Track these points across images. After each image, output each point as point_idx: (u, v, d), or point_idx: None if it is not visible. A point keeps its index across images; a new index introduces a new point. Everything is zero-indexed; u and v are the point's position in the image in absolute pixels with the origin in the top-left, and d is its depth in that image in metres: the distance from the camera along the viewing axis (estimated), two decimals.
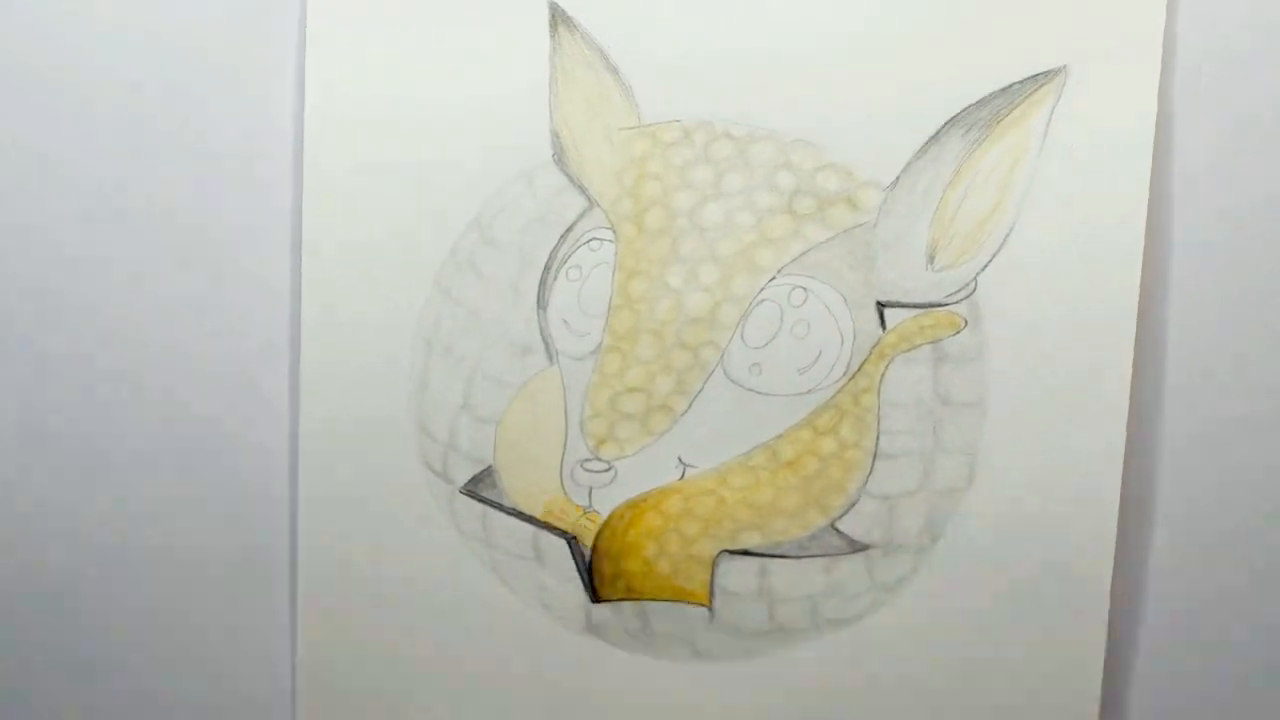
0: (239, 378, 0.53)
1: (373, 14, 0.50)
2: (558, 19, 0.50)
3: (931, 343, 0.50)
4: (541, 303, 0.51)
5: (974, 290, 0.49)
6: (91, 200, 0.52)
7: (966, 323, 0.50)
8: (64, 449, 0.54)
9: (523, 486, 0.52)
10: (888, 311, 0.50)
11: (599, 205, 0.50)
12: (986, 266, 0.49)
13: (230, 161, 0.52)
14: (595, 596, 0.53)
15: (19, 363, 0.53)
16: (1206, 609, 0.52)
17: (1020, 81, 0.49)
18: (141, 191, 0.52)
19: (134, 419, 0.54)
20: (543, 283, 0.51)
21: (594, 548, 0.52)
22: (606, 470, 0.51)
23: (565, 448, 0.52)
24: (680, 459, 0.51)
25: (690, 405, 0.51)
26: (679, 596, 0.52)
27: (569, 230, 0.51)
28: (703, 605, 0.52)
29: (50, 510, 0.54)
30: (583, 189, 0.51)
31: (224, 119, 0.52)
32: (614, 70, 0.50)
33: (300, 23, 0.51)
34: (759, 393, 0.51)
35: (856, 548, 0.51)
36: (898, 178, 0.49)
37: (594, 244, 0.51)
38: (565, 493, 0.52)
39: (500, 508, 0.52)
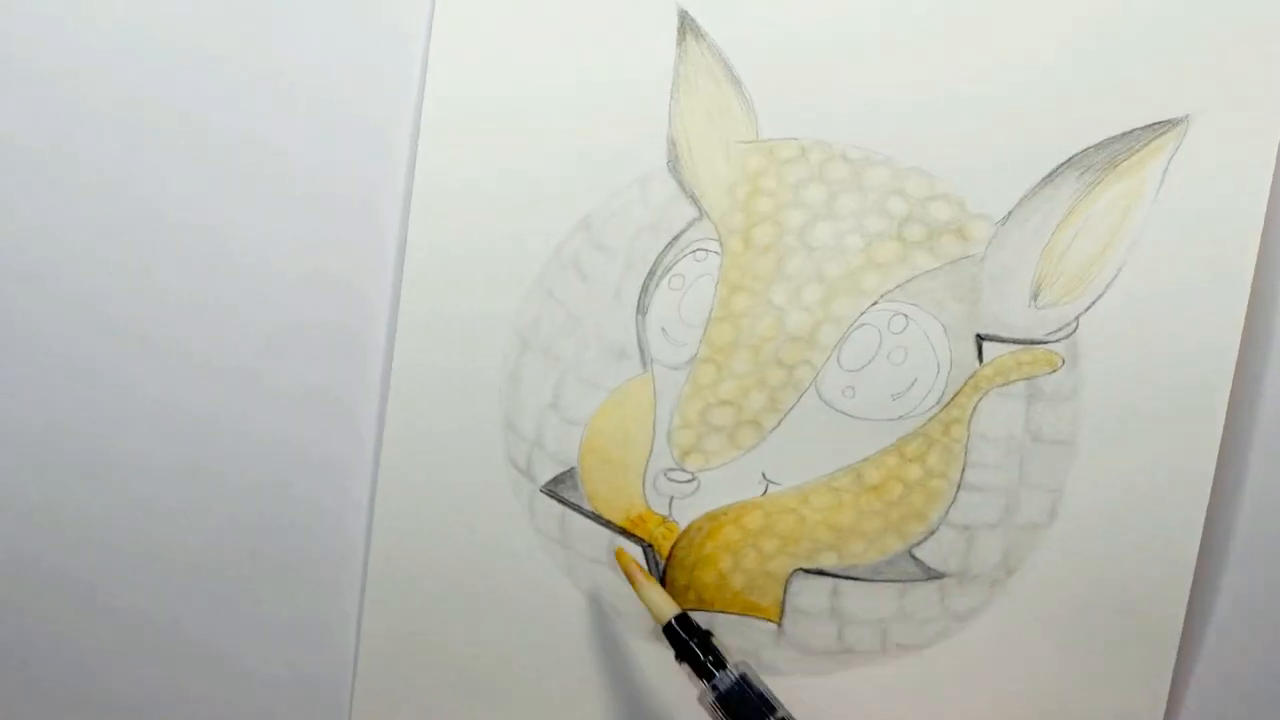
0: (334, 353, 0.53)
1: (501, 10, 0.51)
2: (687, 27, 0.50)
3: (1027, 379, 0.50)
4: (641, 309, 0.51)
5: (1075, 330, 0.50)
6: (207, 176, 0.53)
7: (1064, 362, 0.50)
8: (147, 421, 0.54)
9: (604, 491, 0.52)
10: (986, 345, 0.50)
11: (709, 217, 0.50)
12: (1090, 308, 0.49)
13: (345, 143, 0.52)
14: None
15: (97, 366, 0.54)
16: (1273, 662, 0.52)
17: (1141, 128, 0.49)
18: (248, 157, 0.53)
19: (228, 392, 0.54)
20: (644, 289, 0.51)
21: (669, 557, 0.52)
22: (690, 481, 0.51)
23: (650, 455, 0.52)
24: (764, 475, 0.51)
25: (780, 423, 0.51)
26: (749, 611, 0.52)
27: (676, 239, 0.51)
28: (772, 621, 0.52)
29: (119, 493, 0.54)
30: (694, 199, 0.51)
31: (341, 106, 0.52)
32: (737, 82, 0.50)
33: (428, 14, 0.51)
34: (850, 415, 0.51)
35: (932, 575, 0.51)
36: (1010, 213, 0.49)
37: (699, 254, 0.51)
38: (646, 500, 0.52)
39: (579, 510, 0.52)
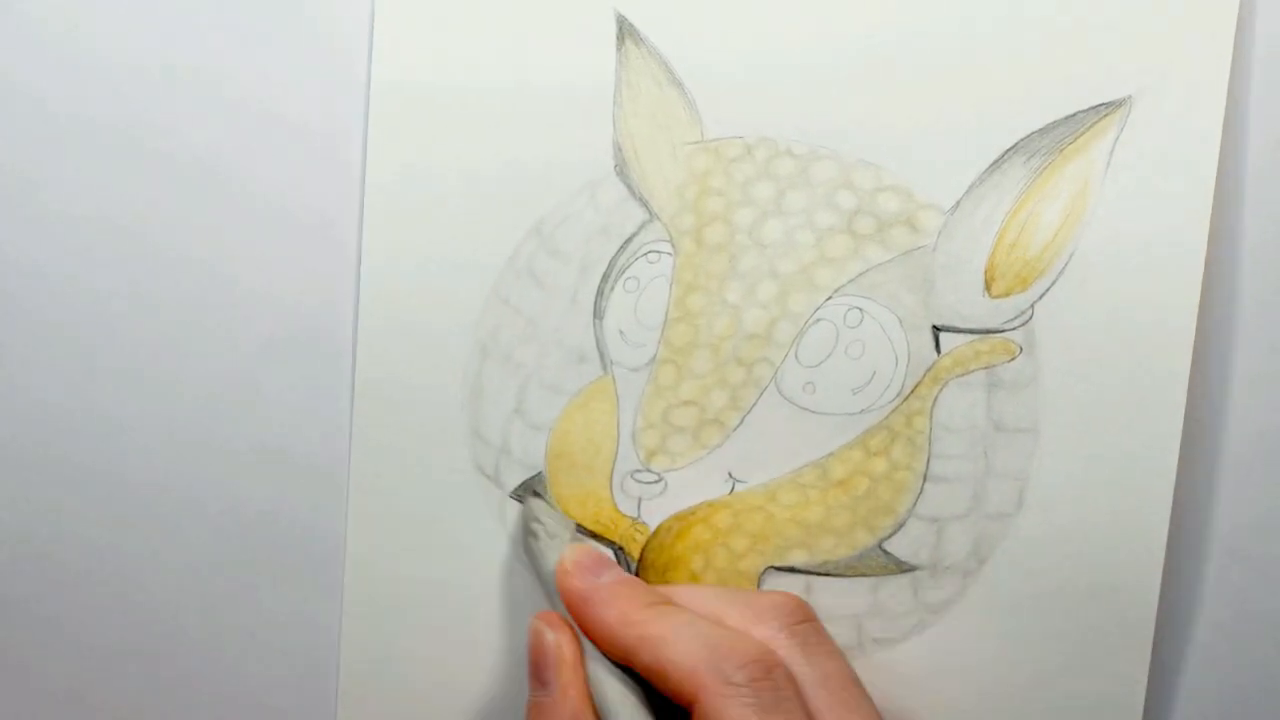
0: (295, 379, 0.54)
1: (439, 23, 0.51)
2: (625, 32, 0.50)
3: (986, 368, 0.50)
4: (598, 313, 0.51)
5: (1031, 318, 0.49)
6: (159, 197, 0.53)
7: (1022, 350, 0.50)
8: (115, 444, 0.55)
9: (572, 495, 0.52)
10: (943, 335, 0.50)
11: (659, 218, 0.51)
12: (1045, 295, 0.49)
13: (291, 160, 0.53)
14: None
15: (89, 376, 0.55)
16: (1253, 637, 0.52)
17: (1085, 110, 0.49)
18: (201, 176, 0.53)
19: (190, 424, 0.54)
20: (600, 293, 0.51)
21: (641, 559, 0.52)
22: (657, 482, 0.52)
23: (616, 458, 0.52)
24: (730, 474, 0.51)
25: (742, 421, 0.51)
26: None
27: (628, 242, 0.51)
28: None
29: (106, 510, 0.55)
30: (644, 201, 0.51)
31: (286, 124, 0.52)
32: (679, 84, 0.50)
33: (368, 26, 0.52)
34: (811, 411, 0.51)
35: (903, 568, 0.51)
36: (959, 202, 0.49)
37: (652, 256, 0.51)
38: (614, 503, 0.52)
39: None
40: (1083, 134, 0.49)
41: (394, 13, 0.51)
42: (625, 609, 0.46)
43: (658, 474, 0.52)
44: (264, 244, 0.53)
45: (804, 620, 0.47)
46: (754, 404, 0.51)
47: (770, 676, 0.44)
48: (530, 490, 0.52)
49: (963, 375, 0.50)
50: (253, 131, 0.53)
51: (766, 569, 0.52)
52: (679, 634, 0.45)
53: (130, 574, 0.56)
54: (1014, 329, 0.50)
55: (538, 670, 0.47)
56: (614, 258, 0.51)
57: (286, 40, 0.52)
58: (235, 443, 0.54)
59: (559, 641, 0.47)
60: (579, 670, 0.47)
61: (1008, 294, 0.49)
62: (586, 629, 0.47)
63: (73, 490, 0.55)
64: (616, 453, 0.52)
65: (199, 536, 0.55)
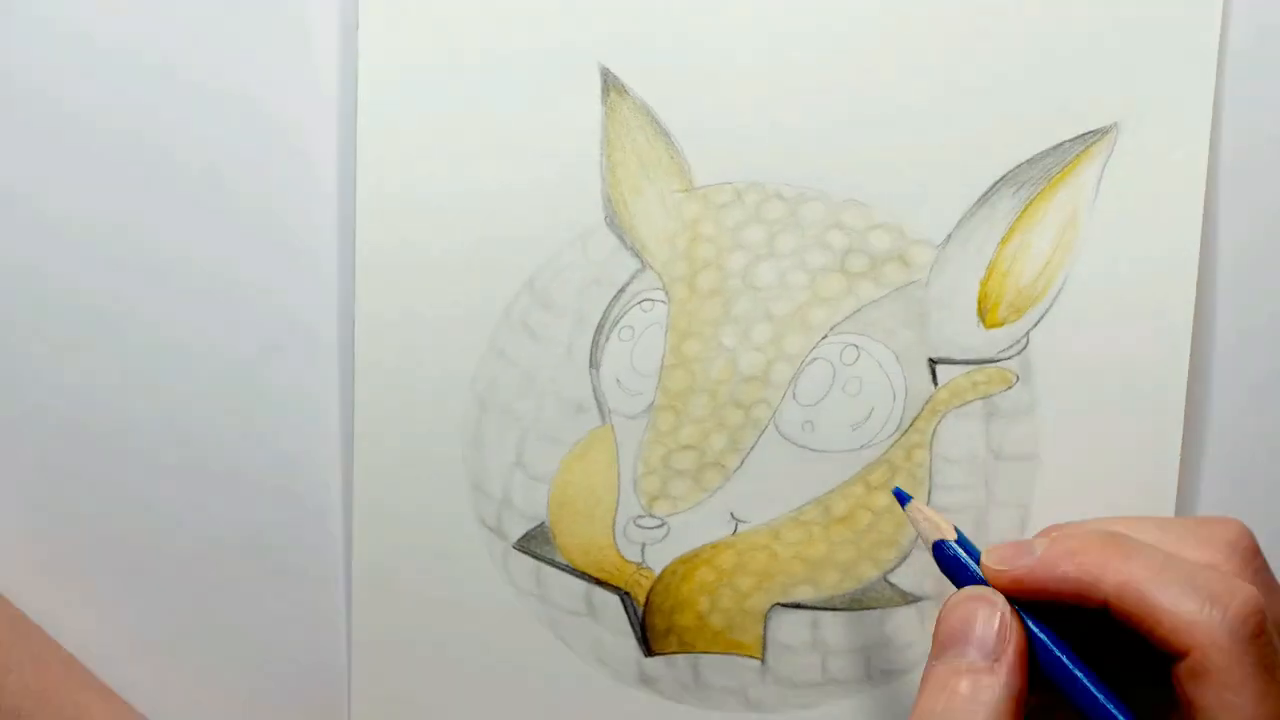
0: (293, 434, 0.53)
1: (425, 77, 0.51)
2: (610, 84, 0.50)
3: (983, 398, 0.50)
4: (594, 362, 0.51)
5: (1026, 346, 0.50)
6: (156, 262, 0.53)
7: (1018, 378, 0.50)
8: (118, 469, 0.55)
9: (576, 543, 0.52)
10: (939, 368, 0.50)
11: (651, 267, 0.51)
12: (1038, 323, 0.50)
13: (279, 217, 0.52)
14: (648, 650, 0.53)
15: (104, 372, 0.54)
16: None
17: (1071, 139, 0.49)
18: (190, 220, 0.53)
19: (193, 475, 0.54)
20: (595, 343, 0.51)
21: (647, 603, 0.52)
22: (659, 527, 0.52)
23: (618, 505, 0.52)
24: (733, 515, 0.51)
25: (743, 462, 0.51)
26: (732, 649, 0.52)
27: (621, 291, 0.51)
28: (755, 658, 0.52)
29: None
30: (635, 251, 0.51)
31: (274, 175, 0.52)
32: (665, 134, 0.50)
33: (353, 76, 0.51)
34: (811, 449, 0.51)
35: (909, 599, 0.51)
36: (949, 236, 0.50)
37: (646, 305, 0.51)
38: (618, 549, 0.52)
39: (553, 564, 0.53)
40: (1071, 163, 0.49)
41: (380, 63, 0.51)
42: (1091, 560, 0.41)
43: (660, 519, 0.52)
44: (259, 295, 0.53)
45: (1257, 554, 0.43)
46: (753, 445, 0.51)
47: (1266, 629, 0.39)
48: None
49: (961, 406, 0.50)
50: (246, 185, 0.52)
51: (773, 606, 0.52)
52: (1164, 577, 0.40)
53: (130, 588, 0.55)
54: (1010, 358, 0.50)
55: (981, 641, 0.42)
56: (608, 308, 0.51)
57: (280, 79, 0.52)
58: (234, 475, 0.54)
59: (1010, 616, 0.42)
60: (1025, 652, 0.42)
61: (1002, 324, 0.50)
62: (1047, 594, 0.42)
63: (69, 498, 0.55)
64: (618, 500, 0.52)
65: (204, 555, 0.55)
